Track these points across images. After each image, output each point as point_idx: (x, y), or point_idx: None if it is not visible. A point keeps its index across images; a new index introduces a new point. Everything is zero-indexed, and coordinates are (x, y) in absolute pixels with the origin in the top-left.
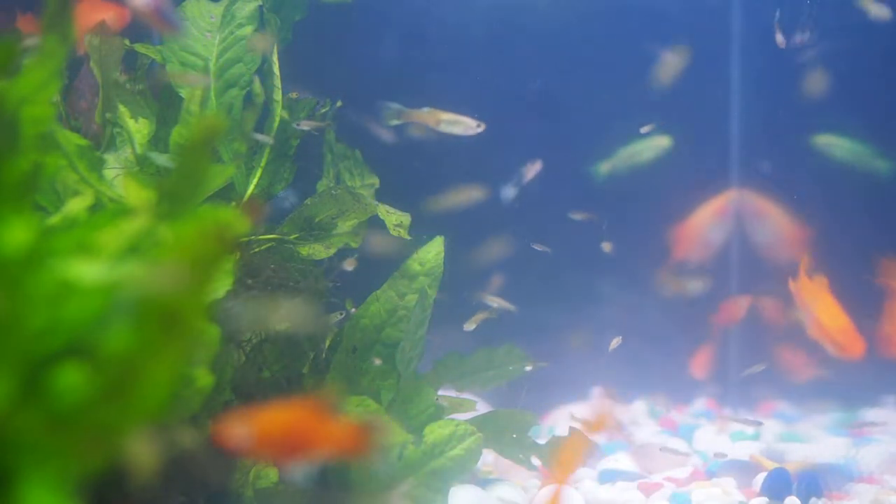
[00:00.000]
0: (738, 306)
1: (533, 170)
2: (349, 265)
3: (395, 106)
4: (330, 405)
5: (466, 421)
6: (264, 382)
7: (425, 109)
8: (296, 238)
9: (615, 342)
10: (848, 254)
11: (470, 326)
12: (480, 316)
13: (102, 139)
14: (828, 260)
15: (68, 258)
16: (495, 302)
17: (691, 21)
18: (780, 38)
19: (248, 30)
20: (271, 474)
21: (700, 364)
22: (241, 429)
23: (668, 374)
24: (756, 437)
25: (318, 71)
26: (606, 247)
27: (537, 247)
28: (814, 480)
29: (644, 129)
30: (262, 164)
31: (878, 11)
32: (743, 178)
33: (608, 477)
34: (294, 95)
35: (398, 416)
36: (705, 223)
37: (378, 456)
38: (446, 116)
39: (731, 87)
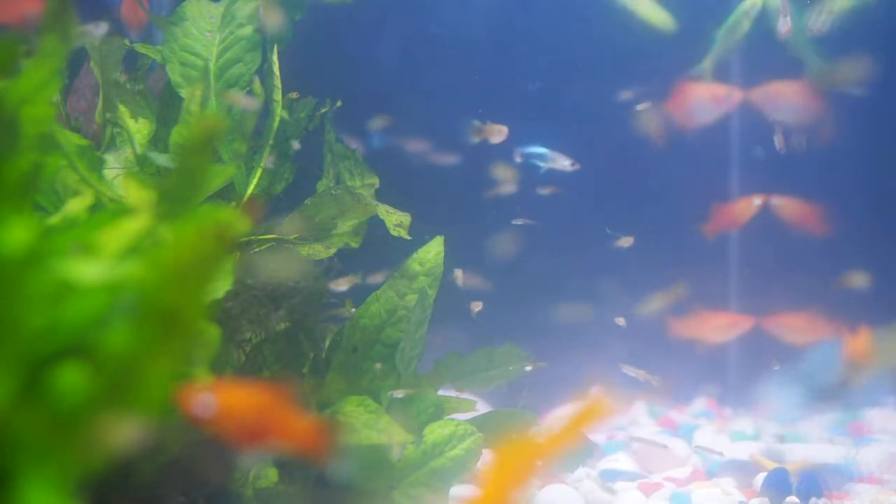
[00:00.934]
0: (748, 206)
1: (563, 162)
2: (343, 284)
3: (476, 123)
4: (298, 398)
5: (466, 421)
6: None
7: (488, 123)
8: (296, 238)
9: (620, 321)
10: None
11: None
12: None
13: (102, 139)
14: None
15: (68, 258)
16: (460, 279)
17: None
18: (779, 141)
19: (249, 30)
20: (271, 474)
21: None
22: (206, 398)
23: (668, 375)
24: (756, 437)
25: (318, 71)
26: (625, 241)
27: (519, 222)
28: (814, 480)
29: (640, 107)
30: (262, 164)
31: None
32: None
33: (608, 477)
34: (294, 95)
35: (398, 416)
36: (708, 93)
37: (334, 459)
38: (497, 128)
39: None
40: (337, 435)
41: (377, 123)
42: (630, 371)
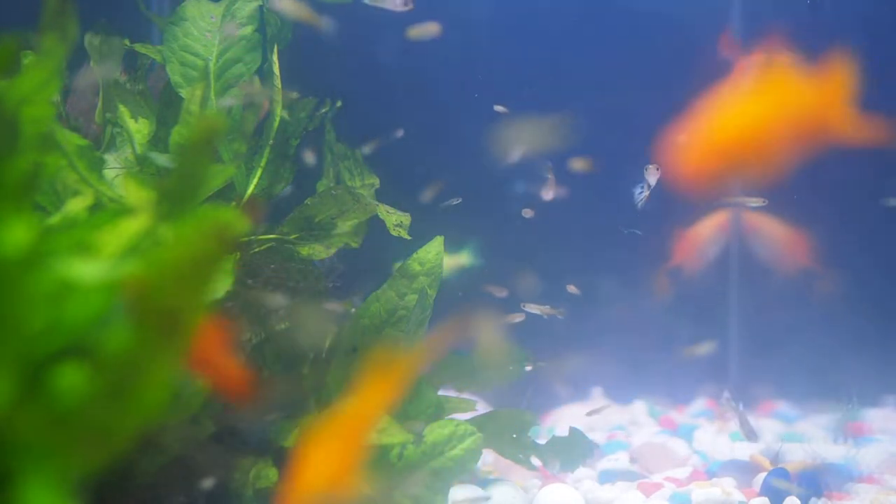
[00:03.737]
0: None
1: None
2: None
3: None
4: (232, 342)
5: (466, 421)
6: (264, 382)
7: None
8: (296, 238)
9: (571, 289)
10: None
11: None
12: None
13: (102, 139)
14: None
15: (68, 258)
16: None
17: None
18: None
19: (249, 30)
20: (271, 474)
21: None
22: None
23: (668, 374)
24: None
25: (318, 70)
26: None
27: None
28: (814, 480)
29: (498, 108)
30: (262, 164)
31: None
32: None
33: (608, 477)
34: (294, 95)
35: (398, 416)
36: None
37: (253, 411)
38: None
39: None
40: (255, 388)
41: None
42: (533, 308)
